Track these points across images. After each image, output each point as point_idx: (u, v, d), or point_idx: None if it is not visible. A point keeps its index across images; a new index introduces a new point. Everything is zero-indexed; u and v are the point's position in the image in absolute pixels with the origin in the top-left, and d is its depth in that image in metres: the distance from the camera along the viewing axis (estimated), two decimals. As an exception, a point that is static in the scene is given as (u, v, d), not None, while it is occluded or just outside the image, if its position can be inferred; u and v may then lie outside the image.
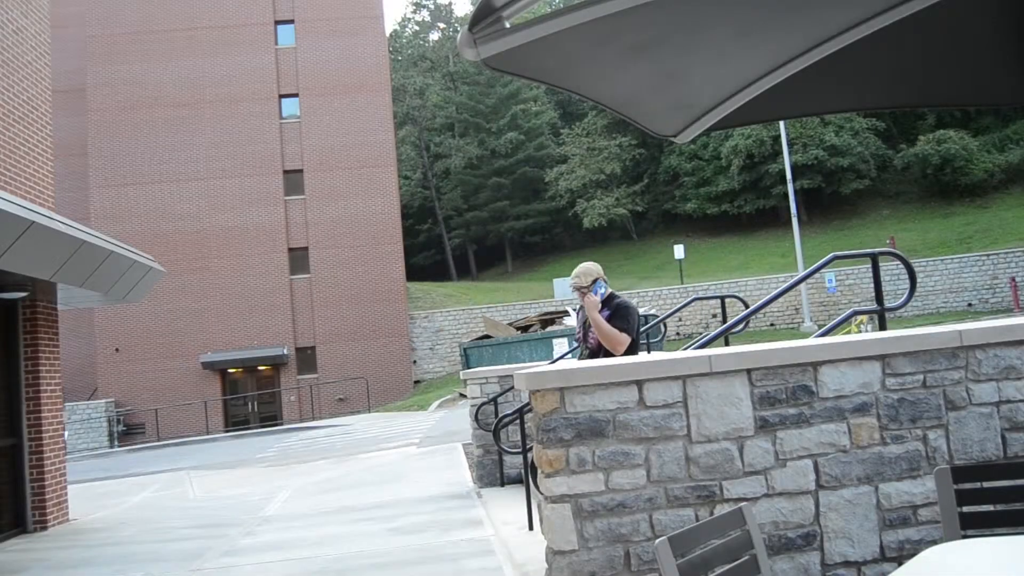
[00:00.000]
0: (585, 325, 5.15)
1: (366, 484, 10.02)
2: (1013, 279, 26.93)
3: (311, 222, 30.54)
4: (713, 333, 4.69)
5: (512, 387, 8.29)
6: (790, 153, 30.77)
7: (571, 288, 5.11)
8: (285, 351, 29.53)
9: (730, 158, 39.07)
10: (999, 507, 2.55)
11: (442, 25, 63.63)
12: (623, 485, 2.92)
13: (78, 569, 6.65)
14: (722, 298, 7.56)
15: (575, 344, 5.58)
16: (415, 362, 31.33)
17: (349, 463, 12.89)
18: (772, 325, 28.93)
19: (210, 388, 29.43)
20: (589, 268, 5.04)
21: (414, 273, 41.88)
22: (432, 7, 64.54)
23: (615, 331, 4.87)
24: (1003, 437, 3.10)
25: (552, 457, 2.91)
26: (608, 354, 4.91)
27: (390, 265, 30.80)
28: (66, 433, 9.85)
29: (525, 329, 21.10)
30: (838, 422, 3.04)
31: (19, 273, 7.11)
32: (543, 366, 4.15)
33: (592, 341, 5.08)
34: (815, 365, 3.04)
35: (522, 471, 7.19)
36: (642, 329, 9.01)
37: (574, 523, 2.90)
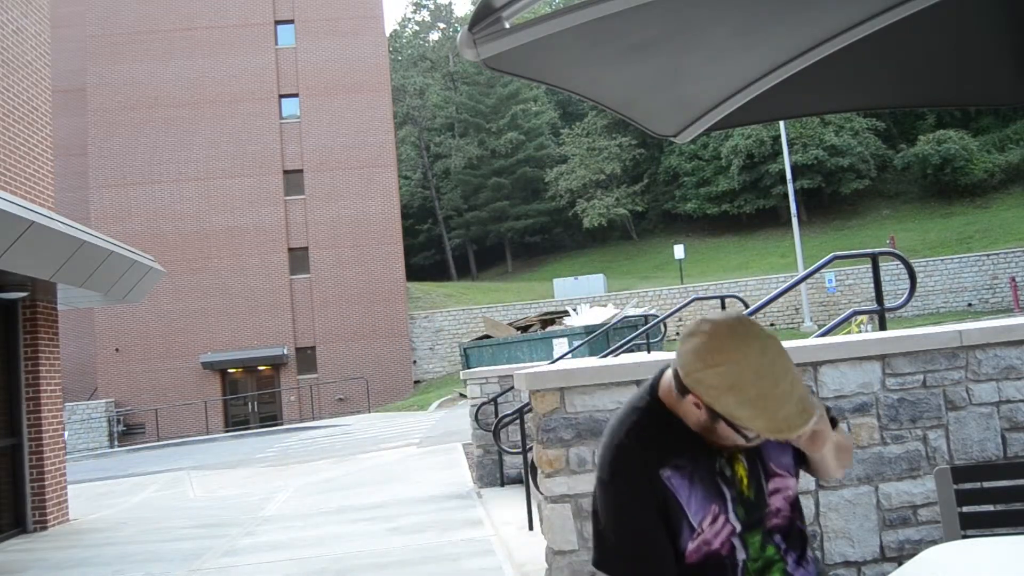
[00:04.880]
0: (757, 476, 1.67)
1: (366, 484, 10.02)
2: (1013, 279, 26.92)
3: (311, 222, 30.53)
4: (713, 333, 4.67)
5: (512, 387, 8.29)
6: (790, 153, 30.77)
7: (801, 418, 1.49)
8: (285, 351, 29.53)
9: (730, 158, 39.08)
10: (999, 507, 2.55)
11: (442, 25, 63.67)
12: (623, 485, 2.91)
13: (78, 569, 6.65)
14: (722, 298, 7.58)
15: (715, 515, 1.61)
16: (415, 362, 31.32)
17: (349, 463, 12.88)
18: (772, 325, 28.91)
19: (210, 388, 29.42)
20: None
21: (414, 273, 41.89)
22: (432, 7, 64.58)
23: None
24: (1003, 437, 3.10)
25: (552, 457, 2.91)
26: (796, 531, 1.73)
27: (390, 265, 30.79)
28: (66, 433, 9.85)
29: (525, 329, 21.08)
30: (838, 422, 3.03)
31: (19, 273, 7.11)
32: (543, 366, 4.14)
33: (781, 516, 1.69)
34: (815, 365, 3.04)
35: (522, 471, 7.19)
36: (642, 329, 9.05)
37: (574, 523, 2.90)
